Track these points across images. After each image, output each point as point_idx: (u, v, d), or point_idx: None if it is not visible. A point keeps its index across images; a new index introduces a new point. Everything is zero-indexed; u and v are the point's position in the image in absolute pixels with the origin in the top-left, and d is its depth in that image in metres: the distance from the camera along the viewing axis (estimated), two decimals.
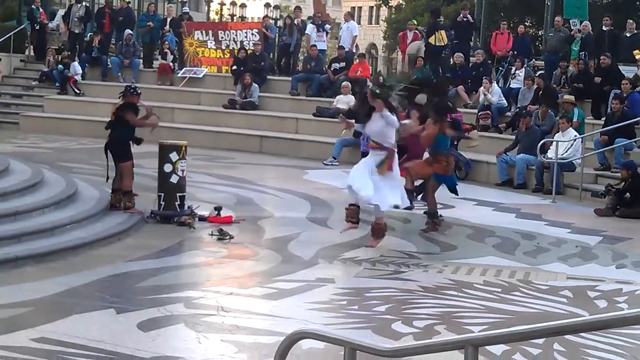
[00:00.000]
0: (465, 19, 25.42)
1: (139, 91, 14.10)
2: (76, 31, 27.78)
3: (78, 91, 26.16)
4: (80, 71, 26.57)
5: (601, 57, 21.17)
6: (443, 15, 28.27)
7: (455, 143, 17.16)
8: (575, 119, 18.96)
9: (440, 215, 14.02)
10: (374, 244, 12.38)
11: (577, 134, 18.27)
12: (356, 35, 27.50)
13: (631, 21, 23.68)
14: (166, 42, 26.92)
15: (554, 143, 17.80)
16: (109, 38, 27.84)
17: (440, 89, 14.39)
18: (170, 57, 26.87)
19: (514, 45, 24.64)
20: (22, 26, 28.85)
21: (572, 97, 19.81)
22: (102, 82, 26.52)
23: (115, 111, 13.68)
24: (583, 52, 22.58)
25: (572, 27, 23.72)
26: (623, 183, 15.90)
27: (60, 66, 26.56)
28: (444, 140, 13.65)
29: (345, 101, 22.68)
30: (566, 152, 17.93)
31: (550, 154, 17.82)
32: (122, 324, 8.55)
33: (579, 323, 4.53)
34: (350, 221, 12.55)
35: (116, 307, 9.04)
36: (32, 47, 28.88)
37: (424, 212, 14.00)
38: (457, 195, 14.45)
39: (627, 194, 15.77)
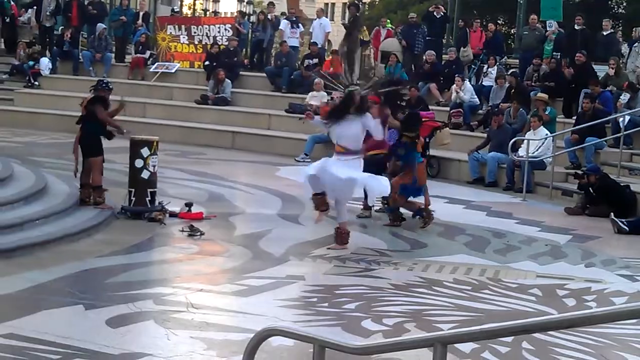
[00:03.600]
0: (437, 9, 25.49)
1: (111, 86, 14.02)
2: (47, 25, 27.58)
3: (34, 82, 25.98)
4: (47, 67, 26.39)
5: (576, 55, 21.22)
6: (416, 12, 28.24)
7: (427, 141, 17.19)
8: (547, 113, 19.01)
9: (433, 210, 14.04)
10: (335, 248, 12.11)
11: (548, 132, 18.35)
12: (329, 32, 27.49)
13: (607, 20, 23.77)
14: (144, 35, 26.80)
15: (525, 141, 17.86)
16: (78, 31, 27.62)
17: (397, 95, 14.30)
18: (148, 52, 26.76)
19: (486, 44, 24.71)
20: None
21: (545, 96, 19.88)
22: (74, 77, 26.36)
23: (85, 105, 13.61)
24: (558, 53, 22.62)
25: (548, 28, 23.82)
26: (592, 186, 15.92)
27: (30, 62, 26.38)
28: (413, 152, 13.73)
29: (318, 97, 22.68)
30: (537, 150, 18.00)
31: (522, 152, 17.88)
32: (90, 320, 8.52)
33: (548, 321, 4.54)
34: (320, 210, 12.44)
35: (85, 303, 9.00)
36: (2, 40, 28.66)
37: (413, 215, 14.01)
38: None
39: (594, 193, 15.82)
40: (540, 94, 20.12)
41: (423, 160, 14.12)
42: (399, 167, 13.75)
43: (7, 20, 27.98)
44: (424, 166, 14.11)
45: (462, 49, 24.43)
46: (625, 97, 19.34)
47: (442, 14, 25.75)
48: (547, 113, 19.14)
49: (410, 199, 13.92)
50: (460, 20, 26.26)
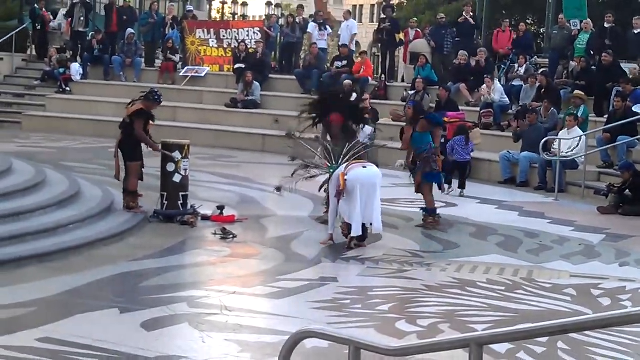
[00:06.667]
0: (466, 20, 25.41)
1: (162, 99, 14.04)
2: (80, 29, 27.78)
3: (65, 88, 26.14)
4: (79, 73, 26.55)
5: (603, 55, 21.12)
6: (445, 13, 28.20)
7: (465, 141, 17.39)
8: (580, 115, 18.92)
9: (439, 215, 14.00)
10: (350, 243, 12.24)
11: (581, 132, 18.25)
12: (355, 34, 27.49)
13: (638, 17, 23.50)
14: (170, 40, 26.92)
15: (557, 140, 17.77)
16: (114, 37, 27.77)
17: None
18: (177, 57, 26.85)
19: (516, 43, 24.63)
20: (24, 25, 28.83)
21: (582, 93, 19.75)
22: (105, 82, 26.54)
23: (130, 113, 13.59)
24: (591, 49, 22.44)
25: (573, 27, 23.71)
26: (625, 183, 15.84)
27: (61, 69, 26.53)
28: (420, 139, 13.69)
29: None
30: (572, 150, 17.88)
31: (555, 151, 17.78)
32: (125, 324, 8.56)
33: (583, 321, 4.52)
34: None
35: (120, 306, 9.04)
36: (34, 46, 28.87)
37: (421, 209, 13.96)
38: (443, 190, 14.35)
39: (629, 192, 15.72)
40: (577, 91, 19.97)
41: (436, 147, 14.02)
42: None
43: (39, 27, 28.18)
44: (438, 151, 14.03)
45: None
46: None
47: (470, 21, 25.53)
48: (580, 112, 19.02)
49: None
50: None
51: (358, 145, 13.02)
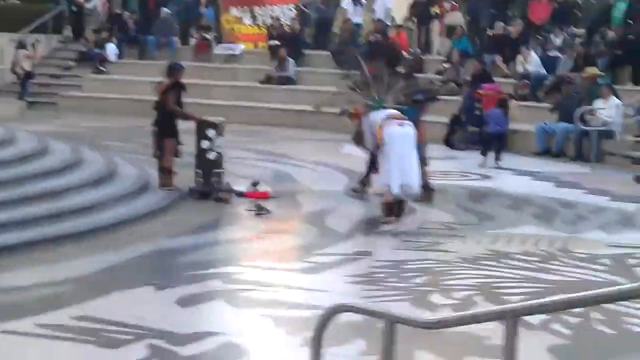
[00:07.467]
0: None
1: (182, 66, 14.17)
2: (117, 11, 27.93)
3: (102, 69, 26.30)
4: (114, 53, 26.69)
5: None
6: None
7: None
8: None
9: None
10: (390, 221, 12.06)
11: (618, 101, 18.08)
12: (390, 8, 27.33)
13: None
14: (204, 19, 26.97)
15: (595, 110, 17.64)
16: (151, 15, 27.80)
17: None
18: (211, 35, 26.87)
19: (553, 14, 24.39)
20: (60, 8, 28.95)
21: (595, 69, 19.51)
22: (140, 61, 26.63)
23: (161, 91, 13.68)
24: (628, 17, 22.19)
25: None
26: None
27: (96, 49, 26.68)
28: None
29: None
30: (610, 119, 17.73)
31: (592, 121, 17.64)
32: (161, 301, 8.62)
33: (619, 291, 4.47)
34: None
35: (156, 283, 9.10)
36: (70, 27, 29.01)
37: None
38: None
39: None
40: (589, 69, 19.70)
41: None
42: None
43: (74, 9, 28.34)
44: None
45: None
46: None
47: None
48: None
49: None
50: None
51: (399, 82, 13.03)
